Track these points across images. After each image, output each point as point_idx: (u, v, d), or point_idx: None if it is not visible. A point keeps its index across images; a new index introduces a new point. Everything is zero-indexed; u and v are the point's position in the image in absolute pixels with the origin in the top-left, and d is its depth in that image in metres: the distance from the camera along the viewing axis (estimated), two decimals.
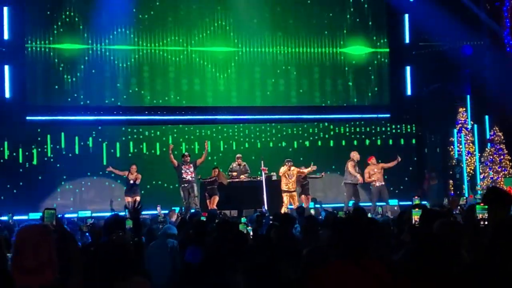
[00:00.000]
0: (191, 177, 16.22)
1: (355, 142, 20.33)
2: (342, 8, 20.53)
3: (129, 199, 16.16)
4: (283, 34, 20.02)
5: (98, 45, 18.72)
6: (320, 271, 4.05)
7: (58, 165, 18.30)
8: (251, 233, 8.46)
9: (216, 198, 15.98)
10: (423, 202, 15.92)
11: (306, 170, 16.87)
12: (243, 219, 9.56)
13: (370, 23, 20.62)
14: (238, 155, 17.21)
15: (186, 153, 16.82)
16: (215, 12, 19.55)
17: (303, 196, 16.97)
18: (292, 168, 16.48)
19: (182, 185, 16.20)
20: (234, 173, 16.85)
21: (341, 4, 20.58)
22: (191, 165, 16.33)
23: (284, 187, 16.39)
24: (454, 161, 19.44)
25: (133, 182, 16.37)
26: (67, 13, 18.47)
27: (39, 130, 18.39)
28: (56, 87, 18.60)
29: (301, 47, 20.11)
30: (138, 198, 16.10)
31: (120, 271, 4.15)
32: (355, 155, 16.87)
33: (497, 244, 3.84)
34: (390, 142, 20.62)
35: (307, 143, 20.21)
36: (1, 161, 17.96)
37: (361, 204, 15.53)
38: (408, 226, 5.82)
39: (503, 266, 3.75)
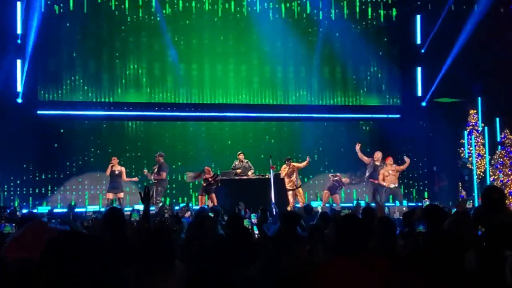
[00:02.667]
0: (154, 178, 16.19)
1: (365, 142, 20.28)
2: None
3: (111, 195, 16.12)
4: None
5: None
6: (322, 267, 4.06)
7: (67, 160, 18.40)
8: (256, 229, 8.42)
9: (214, 195, 15.98)
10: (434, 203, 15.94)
11: (302, 164, 16.96)
12: (253, 216, 9.49)
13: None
14: (239, 152, 17.21)
15: (157, 153, 16.62)
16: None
17: (335, 195, 17.22)
18: (292, 164, 16.60)
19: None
20: (238, 170, 16.81)
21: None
22: (157, 165, 16.30)
23: (287, 185, 16.49)
24: (461, 163, 19.34)
25: (117, 176, 16.18)
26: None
27: (50, 124, 18.47)
28: (68, 81, 18.70)
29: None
30: (121, 195, 16.15)
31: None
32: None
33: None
34: (400, 143, 20.52)
35: (316, 141, 20.19)
36: (12, 155, 18.00)
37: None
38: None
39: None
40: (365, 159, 17.19)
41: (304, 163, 17.05)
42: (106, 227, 5.95)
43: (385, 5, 20.69)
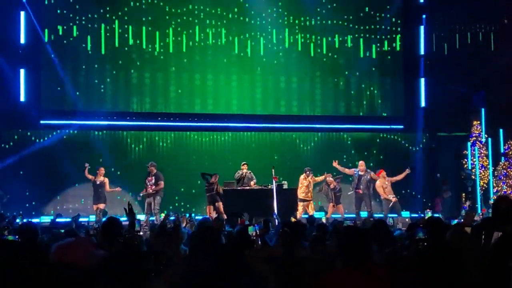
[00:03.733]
0: (152, 189, 16.11)
1: (368, 153, 20.28)
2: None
3: (94, 206, 16.17)
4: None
5: None
6: (324, 277, 4.05)
7: (70, 169, 18.36)
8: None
9: (221, 204, 15.98)
10: (436, 215, 15.88)
11: (319, 179, 16.91)
12: (252, 228, 9.49)
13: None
14: (243, 163, 17.20)
15: (149, 163, 16.51)
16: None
17: (339, 205, 17.00)
18: (310, 177, 16.54)
19: (147, 198, 16.15)
20: (246, 172, 16.79)
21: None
22: (153, 177, 16.19)
23: (300, 195, 16.43)
24: (464, 174, 19.29)
25: (99, 186, 16.21)
26: None
27: (52, 133, 18.50)
28: (71, 91, 18.73)
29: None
30: (101, 207, 16.19)
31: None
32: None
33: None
34: (403, 153, 20.51)
35: (319, 152, 20.19)
36: (14, 163, 18.03)
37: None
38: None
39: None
40: (347, 171, 16.99)
41: (321, 178, 16.97)
42: (104, 236, 6.01)
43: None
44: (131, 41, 19.06)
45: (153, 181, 16.18)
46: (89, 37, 18.72)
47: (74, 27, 18.54)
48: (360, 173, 16.68)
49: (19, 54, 17.99)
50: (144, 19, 19.15)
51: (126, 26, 19.01)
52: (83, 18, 18.61)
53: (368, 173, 16.63)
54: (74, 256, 4.88)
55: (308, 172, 16.65)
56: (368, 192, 16.56)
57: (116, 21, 18.95)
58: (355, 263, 3.87)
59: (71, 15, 18.55)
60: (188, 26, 19.47)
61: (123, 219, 6.66)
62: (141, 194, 16.35)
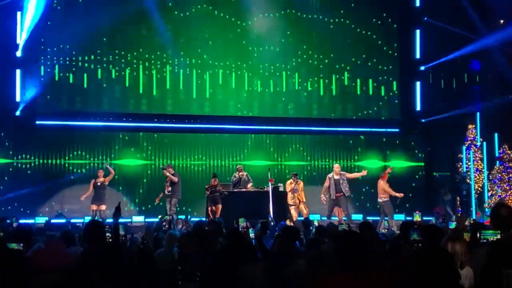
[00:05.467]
0: (167, 191, 16.33)
1: (363, 155, 20.32)
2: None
3: (95, 207, 16.16)
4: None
5: None
6: (320, 282, 4.05)
7: (66, 170, 18.37)
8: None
9: (220, 207, 16.07)
10: (428, 218, 15.88)
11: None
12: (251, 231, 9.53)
13: None
14: (238, 166, 17.21)
15: (166, 165, 16.97)
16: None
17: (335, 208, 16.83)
18: (299, 181, 16.47)
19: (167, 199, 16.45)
20: (239, 181, 16.82)
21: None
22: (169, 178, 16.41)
23: (290, 201, 16.34)
24: (459, 177, 19.32)
25: (100, 187, 16.21)
26: None
27: (48, 134, 18.44)
28: (67, 91, 18.67)
29: None
30: (103, 207, 16.17)
31: None
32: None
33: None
34: (399, 156, 20.54)
35: (314, 154, 20.21)
36: (9, 164, 17.99)
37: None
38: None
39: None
40: (326, 185, 16.34)
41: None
42: (84, 239, 6.01)
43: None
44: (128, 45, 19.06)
45: (169, 182, 16.26)
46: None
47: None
48: (335, 176, 16.15)
49: (15, 55, 17.92)
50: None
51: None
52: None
53: (343, 175, 16.35)
54: (49, 260, 4.88)
55: (294, 178, 16.54)
56: (342, 196, 16.04)
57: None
58: (353, 267, 3.86)
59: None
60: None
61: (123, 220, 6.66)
62: (160, 195, 16.49)
